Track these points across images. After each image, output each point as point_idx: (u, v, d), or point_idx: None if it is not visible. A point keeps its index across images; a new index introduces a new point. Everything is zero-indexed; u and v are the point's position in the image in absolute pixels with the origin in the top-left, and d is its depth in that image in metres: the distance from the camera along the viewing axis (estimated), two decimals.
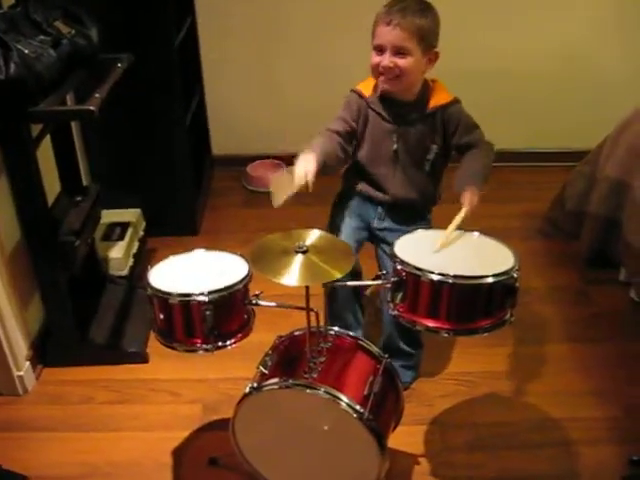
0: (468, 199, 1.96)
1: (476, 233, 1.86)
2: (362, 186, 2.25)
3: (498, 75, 3.72)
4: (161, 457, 2.16)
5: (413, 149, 2.16)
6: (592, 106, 3.78)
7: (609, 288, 2.93)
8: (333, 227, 2.26)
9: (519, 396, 2.38)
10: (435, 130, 2.15)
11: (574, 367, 2.51)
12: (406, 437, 2.10)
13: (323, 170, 2.03)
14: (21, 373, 2.39)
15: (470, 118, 2.17)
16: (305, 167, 1.91)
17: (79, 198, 2.54)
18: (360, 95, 2.17)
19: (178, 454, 2.17)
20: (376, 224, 2.25)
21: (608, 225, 2.89)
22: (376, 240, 2.29)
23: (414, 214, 2.25)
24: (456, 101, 2.16)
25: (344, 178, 2.33)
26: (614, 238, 2.87)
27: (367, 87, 2.17)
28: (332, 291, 2.22)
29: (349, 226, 2.25)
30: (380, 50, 2.03)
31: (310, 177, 1.90)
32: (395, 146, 2.15)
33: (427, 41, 2.02)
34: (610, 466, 2.10)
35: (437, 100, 2.13)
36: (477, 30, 3.61)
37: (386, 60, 2.02)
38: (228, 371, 2.39)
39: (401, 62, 2.01)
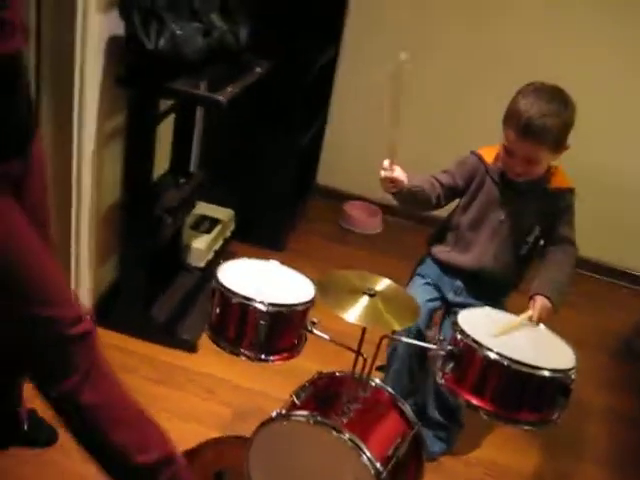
0: (538, 309, 1.92)
1: (542, 326, 1.84)
2: (448, 254, 2.24)
3: (611, 183, 3.64)
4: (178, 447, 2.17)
5: (518, 225, 2.15)
6: None
7: None
8: (409, 290, 2.23)
9: None
10: (546, 211, 2.13)
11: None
12: None
13: (405, 198, 2.08)
14: None
15: (573, 217, 2.16)
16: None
17: (182, 181, 2.63)
18: (480, 159, 2.18)
19: (194, 450, 2.17)
20: (451, 297, 2.25)
21: None
22: (447, 310, 2.28)
23: (491, 293, 2.22)
24: (573, 190, 2.15)
25: (429, 244, 2.33)
26: None
27: (490, 153, 2.17)
28: (392, 350, 2.22)
29: (425, 294, 2.23)
30: (511, 154, 2.04)
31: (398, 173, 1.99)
32: (502, 217, 2.14)
33: (560, 143, 2.01)
34: None
35: (559, 183, 2.13)
36: (594, 146, 3.55)
37: (517, 168, 2.05)
38: (267, 386, 2.40)
39: (532, 169, 2.04)
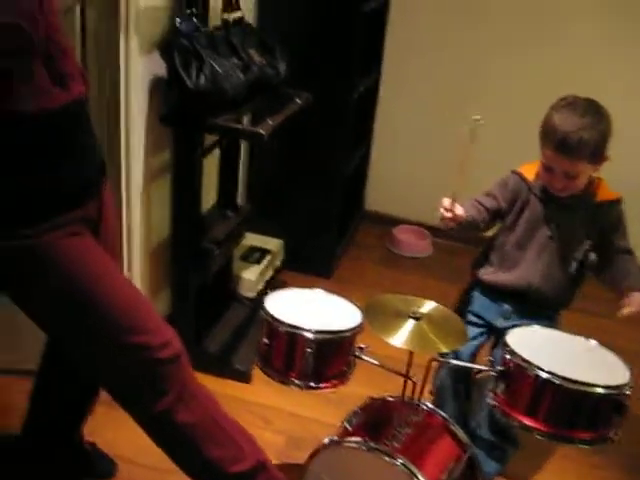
0: (634, 300, 2.00)
1: (594, 342, 1.81)
2: (494, 275, 2.22)
3: None
4: None
5: (567, 241, 2.12)
6: None
7: None
8: None
9: None
10: (595, 223, 2.11)
11: None
12: None
13: (459, 230, 2.10)
14: None
15: (625, 226, 2.14)
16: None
17: (230, 213, 2.68)
18: (522, 178, 2.17)
19: None
20: (499, 323, 2.20)
21: None
22: (498, 336, 2.22)
23: (541, 313, 2.18)
24: (620, 200, 2.13)
25: (474, 267, 2.30)
26: None
27: (530, 171, 2.16)
28: (440, 378, 2.22)
29: (471, 331, 2.17)
30: (549, 170, 2.04)
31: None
32: (550, 233, 2.12)
33: (598, 156, 1.99)
34: None
35: (605, 195, 2.11)
36: None
37: (557, 184, 2.04)
38: (321, 413, 2.41)
39: (572, 183, 2.03)
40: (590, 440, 1.64)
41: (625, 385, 1.61)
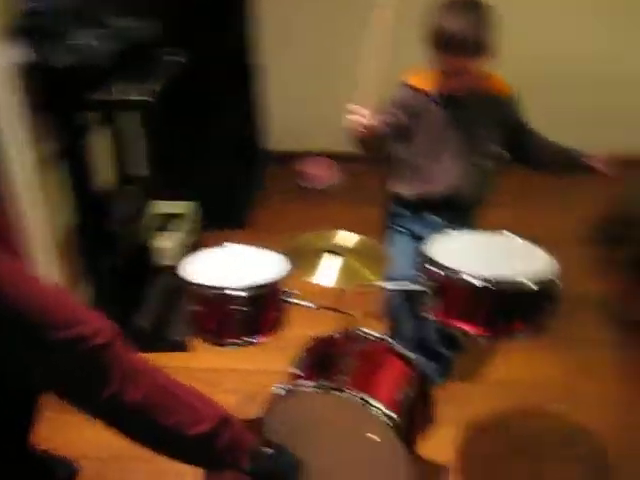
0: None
1: (517, 237, 1.83)
2: (414, 188, 2.23)
3: (554, 76, 3.67)
4: None
5: (476, 137, 2.16)
6: None
7: None
8: (388, 247, 2.24)
9: (563, 404, 2.33)
10: (498, 117, 2.17)
11: (620, 376, 2.46)
12: (443, 439, 2.09)
13: (371, 144, 2.05)
14: None
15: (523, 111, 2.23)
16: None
17: (132, 188, 2.60)
18: (415, 89, 2.16)
19: None
20: (427, 234, 2.21)
21: None
22: None
23: (465, 216, 2.24)
24: (514, 91, 2.20)
25: (390, 188, 2.31)
26: None
27: (422, 80, 2.16)
28: (389, 302, 2.25)
29: (404, 248, 2.22)
30: (445, 72, 2.07)
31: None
32: (459, 135, 2.15)
33: (487, 48, 2.02)
34: None
35: (499, 87, 2.18)
36: (567, 34, 3.60)
37: (451, 83, 2.08)
38: (266, 363, 2.40)
39: (465, 79, 2.06)
40: (529, 331, 1.68)
41: (552, 275, 1.64)
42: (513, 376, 2.47)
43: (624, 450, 2.16)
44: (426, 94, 2.14)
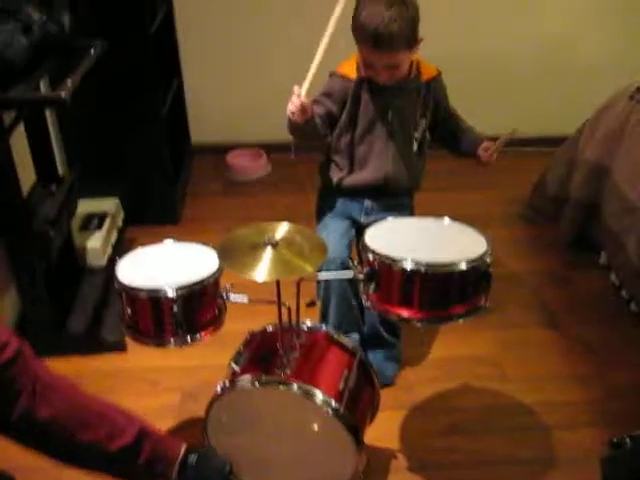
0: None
1: (447, 219, 1.84)
2: (347, 176, 2.23)
3: (478, 59, 3.72)
4: None
5: (406, 123, 2.17)
6: (572, 91, 3.80)
7: (590, 272, 2.94)
8: (322, 231, 2.23)
9: (499, 381, 2.38)
10: (427, 102, 2.18)
11: (555, 351, 2.52)
12: (386, 422, 2.10)
13: (305, 131, 2.05)
14: None
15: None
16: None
17: (54, 187, 2.51)
18: (345, 78, 2.15)
19: None
20: (363, 219, 2.24)
21: (588, 209, 2.91)
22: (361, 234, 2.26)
23: (399, 201, 2.26)
24: (440, 73, 2.21)
25: (323, 176, 2.30)
26: (594, 222, 2.88)
27: (350, 68, 2.14)
28: (326, 287, 2.21)
29: (338, 229, 2.22)
30: (370, 67, 2.04)
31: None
32: (390, 122, 2.15)
33: (414, 41, 2.01)
34: (591, 449, 2.09)
35: (428, 73, 2.17)
36: (460, 15, 3.63)
37: (381, 78, 2.06)
38: (208, 359, 2.34)
39: (394, 72, 2.05)
40: (466, 313, 1.68)
41: (484, 254, 1.66)
42: (451, 354, 2.49)
43: (559, 421, 2.22)
44: (354, 82, 2.13)
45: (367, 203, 2.23)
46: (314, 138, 2.16)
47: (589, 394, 2.31)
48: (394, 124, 2.16)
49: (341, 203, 2.26)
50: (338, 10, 1.86)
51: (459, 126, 2.27)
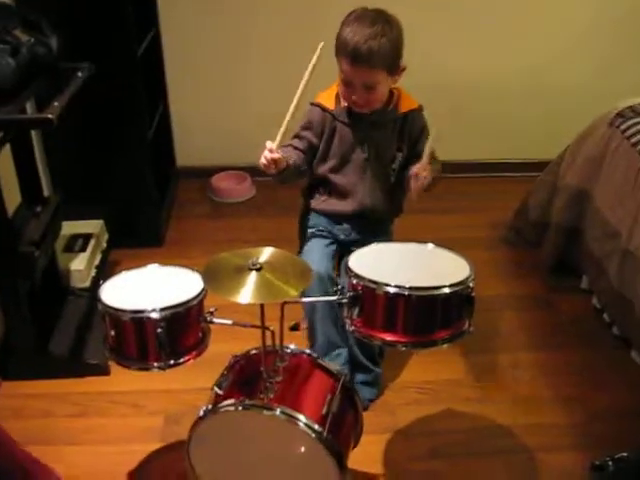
0: (418, 180, 1.99)
1: (430, 245, 1.85)
2: (326, 204, 2.27)
3: (458, 86, 3.76)
4: (121, 471, 2.12)
5: (382, 155, 2.19)
6: (553, 116, 3.84)
7: (572, 296, 2.96)
8: (306, 252, 2.25)
9: (481, 404, 2.39)
10: (403, 135, 2.18)
11: (537, 374, 2.53)
12: (368, 446, 2.08)
13: (285, 177, 2.08)
14: None
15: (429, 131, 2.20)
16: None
17: (39, 209, 2.51)
18: (323, 108, 2.18)
19: (137, 470, 2.14)
20: (342, 238, 2.28)
21: (570, 233, 2.94)
22: (342, 252, 2.28)
23: (378, 226, 2.28)
24: (421, 108, 2.21)
25: (306, 197, 2.34)
26: (576, 246, 2.91)
27: (329, 98, 2.18)
28: (311, 309, 2.22)
29: (321, 248, 2.25)
30: (348, 85, 2.06)
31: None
32: (366, 154, 2.17)
33: (395, 65, 2.05)
34: (573, 472, 2.11)
35: (407, 105, 2.18)
36: (442, 44, 3.66)
37: (357, 97, 2.06)
38: (191, 382, 2.33)
39: (372, 95, 2.06)
40: (450, 337, 1.68)
41: (467, 278, 1.66)
42: (433, 377, 2.50)
43: (542, 444, 2.22)
44: (332, 113, 2.17)
45: (346, 226, 2.27)
46: (293, 179, 2.18)
47: (571, 417, 2.32)
48: (369, 156, 2.18)
49: (324, 222, 2.29)
50: (314, 58, 1.89)
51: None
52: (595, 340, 2.71)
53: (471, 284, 1.66)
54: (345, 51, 2.00)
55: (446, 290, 1.62)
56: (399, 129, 2.18)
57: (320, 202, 2.28)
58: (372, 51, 1.96)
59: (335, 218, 2.27)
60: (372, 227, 2.25)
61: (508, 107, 3.87)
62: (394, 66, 2.04)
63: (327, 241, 2.27)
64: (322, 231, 2.28)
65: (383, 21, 2.01)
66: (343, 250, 2.27)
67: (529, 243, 3.24)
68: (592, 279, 2.85)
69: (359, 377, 2.31)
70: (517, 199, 3.34)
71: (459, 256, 1.78)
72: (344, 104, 2.15)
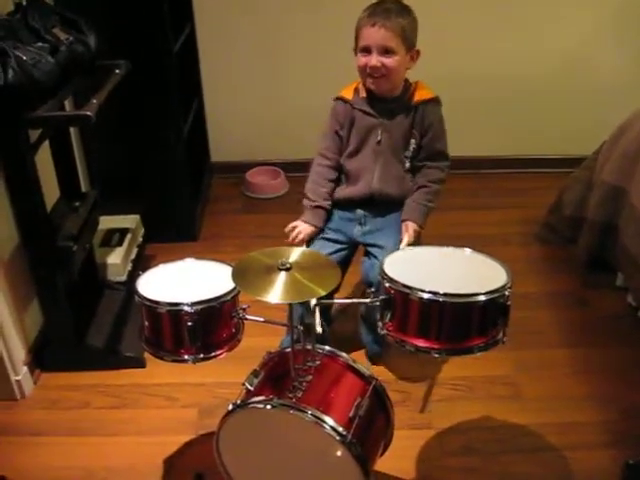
0: (409, 233, 2.21)
1: (468, 250, 1.80)
2: (341, 190, 2.39)
3: (494, 80, 3.71)
4: (155, 462, 2.16)
5: (396, 142, 2.30)
6: (589, 111, 3.79)
7: (607, 293, 2.93)
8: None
9: (516, 401, 2.38)
10: (416, 124, 2.28)
11: (572, 372, 2.51)
12: (402, 441, 2.07)
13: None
14: (19, 378, 2.39)
15: (444, 128, 2.31)
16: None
17: (77, 204, 2.56)
18: (344, 100, 2.33)
19: (170, 460, 2.17)
20: (358, 232, 2.35)
21: (605, 230, 2.90)
22: (364, 249, 2.38)
23: (391, 207, 2.36)
24: (438, 100, 2.30)
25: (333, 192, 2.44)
26: (611, 243, 2.88)
27: (349, 91, 2.34)
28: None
29: (330, 246, 2.34)
30: (366, 51, 2.17)
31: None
32: (379, 137, 2.28)
33: (410, 40, 2.17)
34: (607, 470, 2.09)
35: (421, 95, 2.29)
36: (474, 34, 3.62)
37: (373, 60, 2.16)
38: (225, 375, 2.35)
39: (388, 61, 2.16)
40: (484, 345, 1.65)
41: (504, 286, 1.61)
42: (466, 374, 2.49)
43: (576, 442, 2.21)
44: (351, 103, 2.31)
45: (359, 212, 2.36)
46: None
47: (606, 415, 2.31)
48: (384, 140, 2.29)
49: (338, 217, 2.39)
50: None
51: (424, 174, 2.34)
52: (630, 338, 2.68)
53: (507, 292, 1.60)
54: (364, 19, 2.16)
55: (482, 297, 1.58)
56: (412, 117, 2.28)
57: (338, 191, 2.40)
58: (389, 10, 2.13)
59: (349, 207, 2.37)
60: (384, 212, 2.36)
61: (541, 99, 3.82)
62: (409, 40, 2.16)
63: (334, 247, 2.34)
64: (338, 232, 2.37)
65: (400, 6, 2.18)
66: (362, 247, 2.38)
67: (564, 239, 3.21)
68: (627, 276, 2.82)
69: (370, 335, 2.45)
70: (552, 195, 3.31)
71: (496, 262, 1.73)
72: (362, 95, 2.29)
